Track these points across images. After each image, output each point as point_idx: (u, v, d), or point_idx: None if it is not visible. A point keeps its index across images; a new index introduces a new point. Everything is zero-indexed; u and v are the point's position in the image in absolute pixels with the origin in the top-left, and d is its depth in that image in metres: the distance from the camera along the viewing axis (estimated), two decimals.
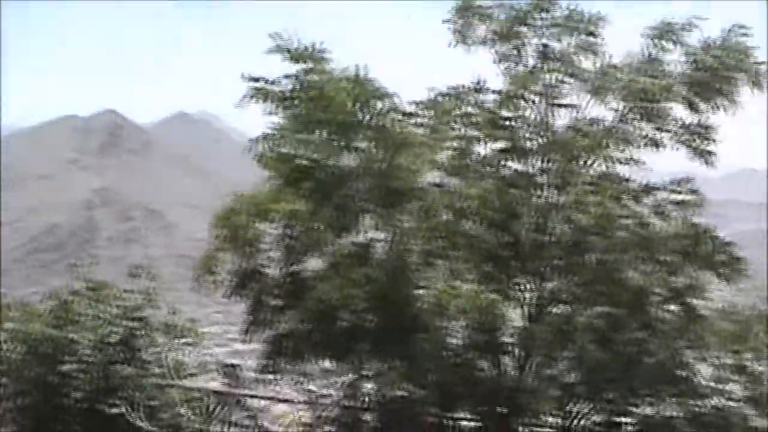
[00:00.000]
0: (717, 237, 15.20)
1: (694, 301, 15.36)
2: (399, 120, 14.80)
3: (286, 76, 14.76)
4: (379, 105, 14.64)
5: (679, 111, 15.30)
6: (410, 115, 15.22)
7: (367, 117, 14.63)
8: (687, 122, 15.22)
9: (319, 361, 15.76)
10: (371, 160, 14.73)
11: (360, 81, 14.52)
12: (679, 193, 15.66)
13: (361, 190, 14.79)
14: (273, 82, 14.76)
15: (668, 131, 15.26)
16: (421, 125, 15.37)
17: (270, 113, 14.84)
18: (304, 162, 14.57)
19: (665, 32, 15.29)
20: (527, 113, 15.49)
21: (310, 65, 14.68)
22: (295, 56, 14.62)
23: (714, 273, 15.09)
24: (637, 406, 15.51)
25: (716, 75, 14.92)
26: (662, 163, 15.85)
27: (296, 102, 14.69)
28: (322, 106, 14.40)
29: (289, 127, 14.70)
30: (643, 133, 15.20)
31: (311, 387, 16.57)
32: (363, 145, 14.75)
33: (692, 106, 15.06)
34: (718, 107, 15.07)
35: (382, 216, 14.82)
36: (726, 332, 15.26)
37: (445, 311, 14.19)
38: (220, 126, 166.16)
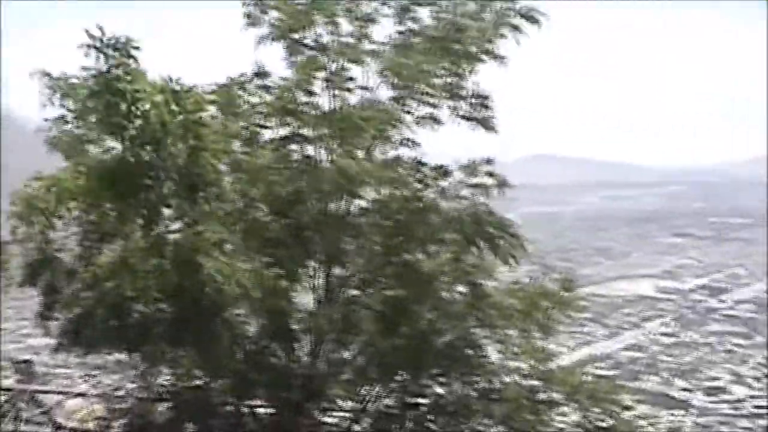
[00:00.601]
0: (499, 218, 15.44)
1: (482, 281, 15.57)
2: (197, 110, 14.52)
3: (85, 69, 14.26)
4: (179, 100, 14.32)
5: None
6: (211, 103, 14.98)
7: (168, 110, 14.28)
8: (461, 94, 15.41)
9: (113, 354, 15.41)
10: (170, 152, 14.42)
11: (162, 80, 14.21)
12: (476, 175, 15.83)
13: (161, 180, 14.48)
14: (72, 78, 14.29)
15: (446, 107, 15.43)
16: (215, 115, 15.16)
17: (70, 109, 14.38)
18: (100, 150, 14.25)
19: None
20: (312, 99, 15.45)
21: (116, 60, 14.23)
22: (104, 51, 14.16)
23: (496, 253, 15.31)
24: (429, 386, 15.67)
25: (467, 35, 15.23)
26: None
27: (97, 96, 14.22)
28: (124, 101, 13.99)
29: (87, 116, 14.30)
30: (421, 112, 15.33)
31: (105, 380, 16.27)
32: (163, 136, 14.40)
33: (458, 74, 15.28)
34: (477, 61, 15.35)
35: (181, 207, 14.56)
36: (513, 310, 15.50)
37: (231, 295, 13.99)
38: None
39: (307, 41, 15.53)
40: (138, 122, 13.75)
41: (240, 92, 15.47)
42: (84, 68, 13.93)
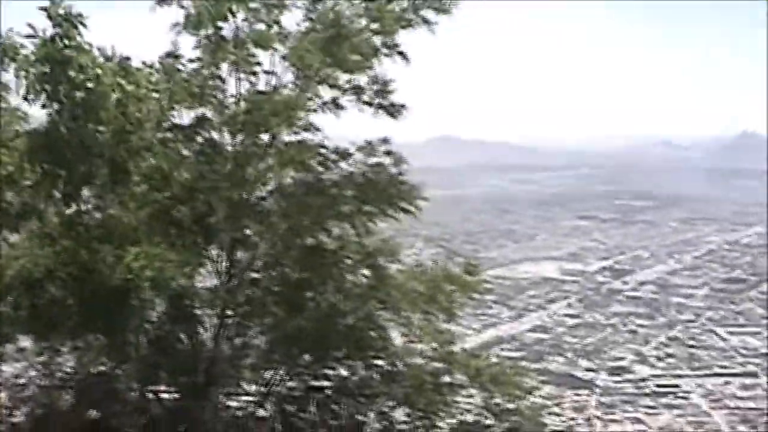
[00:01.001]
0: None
1: (385, 263, 15.73)
2: (137, 87, 14.34)
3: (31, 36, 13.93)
4: (123, 75, 14.14)
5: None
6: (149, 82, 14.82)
7: (111, 83, 14.06)
8: (362, 82, 15.52)
9: (17, 341, 15.20)
10: (105, 128, 14.21)
11: (107, 54, 14.04)
12: (375, 155, 15.95)
13: (90, 156, 14.25)
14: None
15: (351, 93, 15.52)
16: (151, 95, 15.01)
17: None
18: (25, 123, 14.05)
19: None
20: (220, 83, 15.42)
21: (64, 30, 13.95)
22: (54, 19, 13.85)
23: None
24: (333, 368, 15.79)
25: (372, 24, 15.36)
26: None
27: (38, 65, 13.91)
28: (70, 70, 13.72)
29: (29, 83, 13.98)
30: (326, 98, 15.40)
31: (7, 368, 16.06)
32: (102, 110, 14.15)
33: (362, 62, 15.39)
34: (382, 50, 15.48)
35: (103, 186, 14.38)
36: (416, 293, 15.67)
37: (136, 280, 13.90)
38: None
39: (218, 25, 15.43)
40: (79, 94, 13.59)
41: (151, 73, 15.30)
42: (30, 35, 13.68)
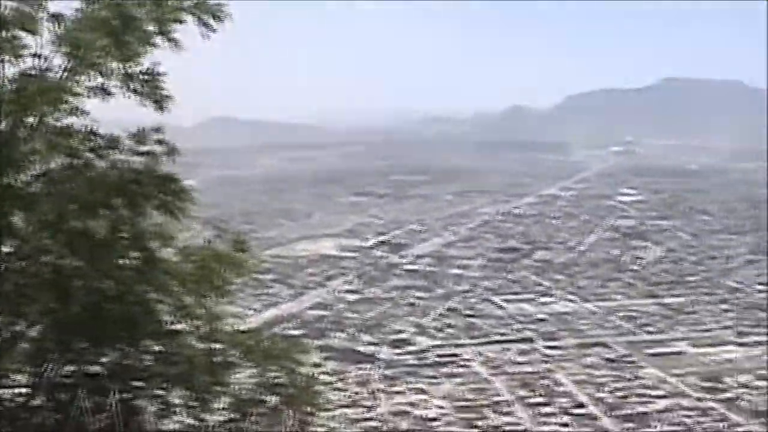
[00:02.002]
0: (163, 175, 15.71)
1: (156, 246, 15.79)
2: None
3: None
4: None
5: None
6: None
7: None
8: (131, 71, 15.49)
9: None
10: None
11: None
12: (145, 144, 15.96)
13: None
14: None
15: (119, 79, 15.46)
16: None
17: None
18: None
19: None
20: None
21: None
22: None
23: (164, 211, 15.57)
24: (106, 354, 15.75)
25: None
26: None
27: None
28: None
29: None
30: (92, 84, 15.30)
31: None
32: None
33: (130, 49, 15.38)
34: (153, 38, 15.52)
35: None
36: (187, 274, 15.80)
37: None
38: None
39: None
40: None
41: None
42: None
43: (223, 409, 15.89)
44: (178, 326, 15.97)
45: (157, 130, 16.00)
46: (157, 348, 15.86)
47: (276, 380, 16.18)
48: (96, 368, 15.83)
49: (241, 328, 16.95)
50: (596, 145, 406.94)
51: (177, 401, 15.93)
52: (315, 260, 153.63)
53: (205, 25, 15.72)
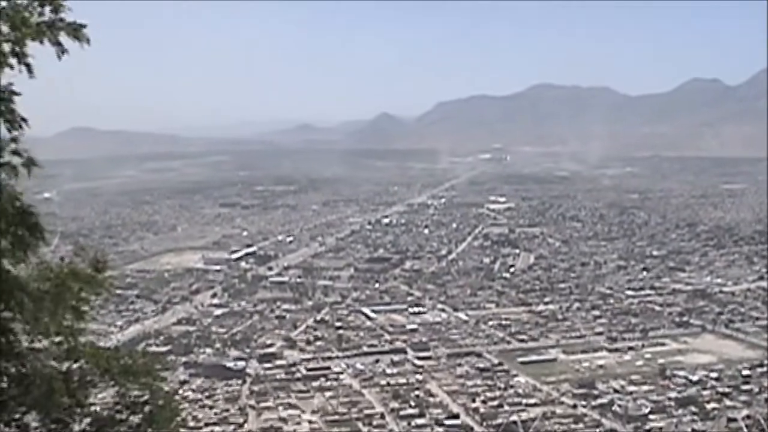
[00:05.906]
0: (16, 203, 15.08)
1: (15, 264, 15.14)
2: None
3: None
4: None
5: None
6: None
7: None
8: None
9: None
10: None
11: None
12: (1, 155, 15.30)
13: None
14: None
15: None
16: None
17: None
18: None
19: None
20: None
21: None
22: None
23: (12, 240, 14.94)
24: None
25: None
26: None
27: None
28: None
29: None
30: None
31: None
32: None
33: None
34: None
35: None
36: (42, 293, 15.20)
37: None
38: None
39: None
40: None
41: None
42: None
43: (84, 430, 15.33)
44: (36, 345, 15.34)
45: (14, 140, 15.34)
46: (12, 370, 15.20)
47: (137, 398, 15.69)
48: None
49: (101, 345, 16.39)
50: (465, 153, 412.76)
51: (35, 424, 15.32)
52: (180, 274, 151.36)
53: (59, 44, 15.13)
